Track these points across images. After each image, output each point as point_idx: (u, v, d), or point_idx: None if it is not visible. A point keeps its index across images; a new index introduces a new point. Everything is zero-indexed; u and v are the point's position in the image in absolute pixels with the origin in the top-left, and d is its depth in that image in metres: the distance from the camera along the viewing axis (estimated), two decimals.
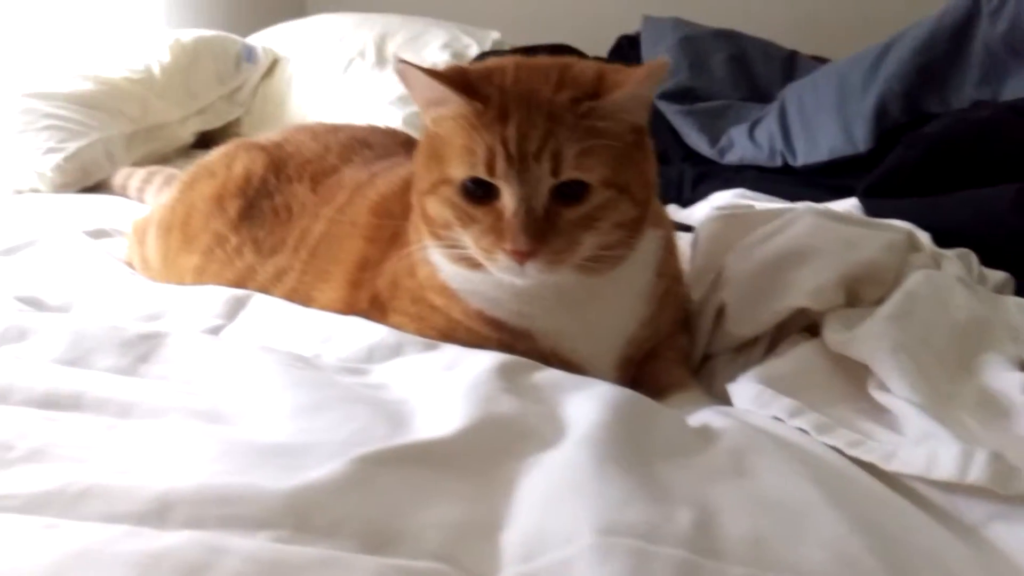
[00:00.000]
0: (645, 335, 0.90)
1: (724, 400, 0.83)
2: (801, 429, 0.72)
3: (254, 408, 0.71)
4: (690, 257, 1.04)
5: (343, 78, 2.37)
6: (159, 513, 0.54)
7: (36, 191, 1.78)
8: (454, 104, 0.79)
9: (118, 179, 1.83)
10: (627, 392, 0.76)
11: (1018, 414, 0.73)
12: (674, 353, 0.94)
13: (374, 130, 1.24)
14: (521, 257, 0.76)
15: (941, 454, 0.64)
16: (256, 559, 0.50)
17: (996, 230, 1.12)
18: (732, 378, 0.84)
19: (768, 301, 0.90)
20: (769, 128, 1.75)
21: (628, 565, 0.51)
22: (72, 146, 1.81)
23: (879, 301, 0.89)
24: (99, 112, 1.94)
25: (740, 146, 1.80)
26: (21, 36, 2.16)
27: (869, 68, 1.60)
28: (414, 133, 1.38)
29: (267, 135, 1.25)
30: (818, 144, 1.65)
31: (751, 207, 1.16)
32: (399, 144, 1.20)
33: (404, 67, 0.80)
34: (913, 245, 0.99)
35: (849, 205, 1.35)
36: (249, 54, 2.40)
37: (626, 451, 0.64)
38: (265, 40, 2.52)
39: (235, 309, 0.96)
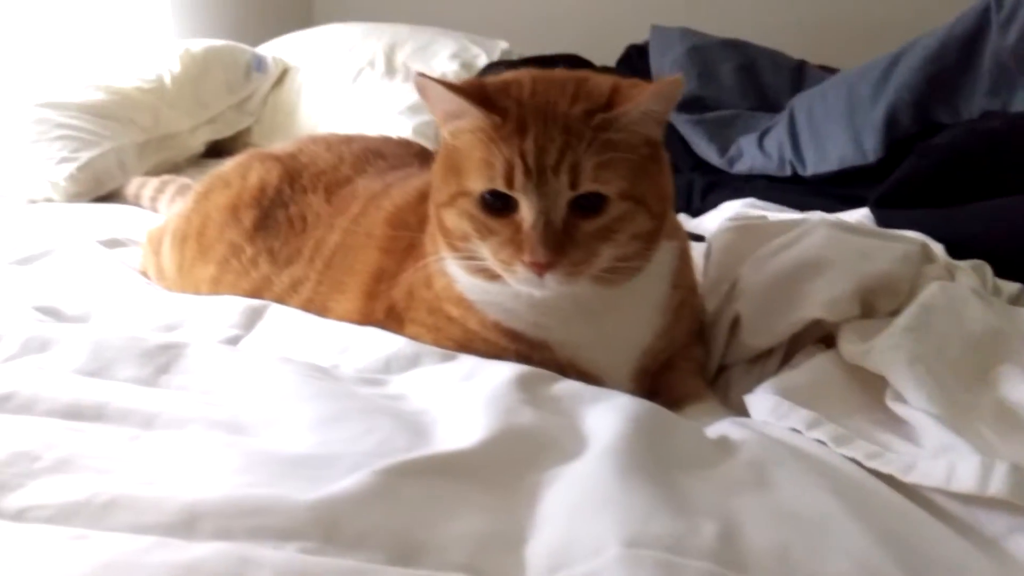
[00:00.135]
0: (661, 346, 0.91)
1: (740, 410, 0.84)
2: (819, 441, 0.72)
3: (275, 419, 0.72)
4: (703, 267, 1.05)
5: (353, 87, 2.38)
6: (187, 524, 0.55)
7: (50, 200, 1.80)
8: (472, 117, 0.80)
9: (131, 188, 1.84)
10: (646, 404, 0.76)
11: None
12: (689, 364, 0.94)
13: (387, 141, 1.25)
14: (540, 269, 0.77)
15: (960, 466, 0.65)
16: (286, 570, 0.51)
17: (1010, 241, 1.12)
18: (748, 389, 0.85)
19: (784, 312, 0.90)
20: (778, 138, 1.75)
21: None
22: (85, 156, 1.82)
23: (894, 312, 0.90)
24: (111, 122, 1.95)
25: (749, 155, 1.80)
26: (34, 47, 2.18)
27: (879, 78, 1.61)
28: (424, 143, 1.40)
29: (281, 146, 1.26)
30: (828, 154, 1.65)
31: (764, 217, 1.17)
32: (412, 155, 1.20)
33: (423, 81, 0.81)
34: (927, 257, 0.99)
35: (860, 215, 1.36)
36: (259, 64, 2.41)
37: (648, 463, 0.64)
38: (275, 50, 2.53)
39: (252, 319, 0.96)
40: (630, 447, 0.65)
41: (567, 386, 0.79)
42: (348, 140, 1.22)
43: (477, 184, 0.79)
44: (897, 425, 0.76)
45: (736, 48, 2.19)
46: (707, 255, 1.07)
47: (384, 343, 0.88)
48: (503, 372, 0.79)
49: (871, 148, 1.58)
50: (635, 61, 2.30)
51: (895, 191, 1.34)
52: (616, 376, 0.87)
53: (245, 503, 0.56)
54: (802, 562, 0.55)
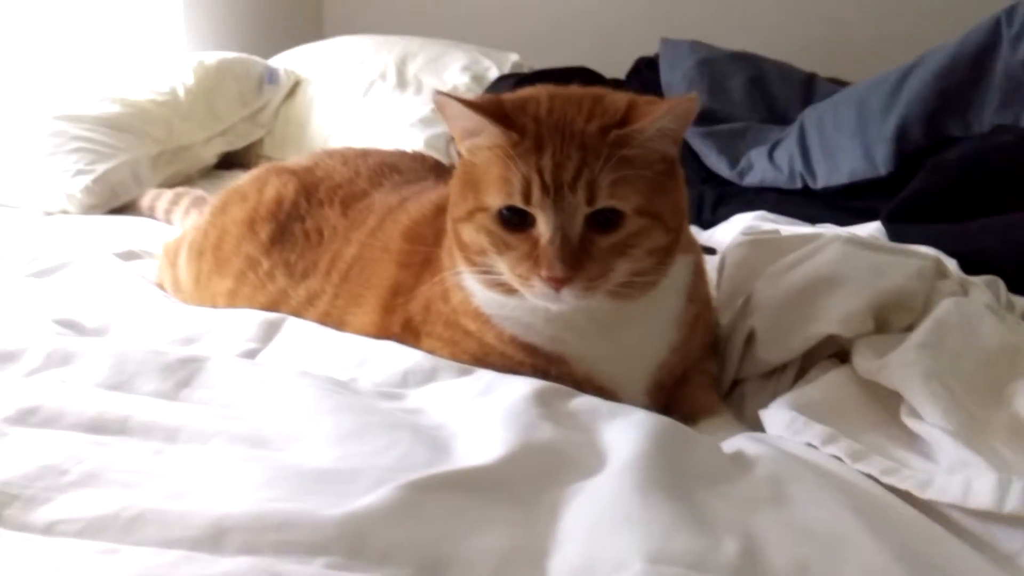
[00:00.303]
0: (676, 360, 0.91)
1: (754, 425, 0.84)
2: (835, 456, 0.73)
3: (296, 433, 0.73)
4: (716, 281, 1.05)
5: (364, 100, 2.39)
6: (214, 539, 0.55)
7: (65, 212, 1.81)
8: (491, 134, 0.81)
9: (145, 200, 1.85)
10: (663, 419, 0.77)
11: None
12: (703, 378, 0.95)
13: (403, 155, 1.26)
14: (557, 283, 0.78)
15: (977, 483, 0.65)
16: None
17: (1023, 256, 1.12)
18: (762, 403, 0.85)
19: (798, 328, 0.91)
20: (789, 150, 1.75)
21: None
22: (100, 168, 1.84)
23: (908, 328, 0.90)
24: (126, 134, 1.97)
25: (760, 168, 1.80)
26: (49, 60, 2.20)
27: (890, 91, 1.61)
28: (436, 155, 1.40)
29: (297, 160, 1.27)
30: (838, 167, 1.66)
31: (777, 231, 1.17)
32: (428, 169, 1.21)
33: (442, 98, 0.82)
34: (941, 272, 1.00)
35: (872, 228, 1.36)
36: (271, 76, 2.43)
37: (668, 479, 0.65)
38: (286, 62, 2.55)
39: (270, 333, 0.97)
40: (649, 463, 0.66)
41: (584, 401, 0.80)
42: (364, 154, 1.23)
43: (495, 200, 0.80)
44: (913, 441, 0.77)
45: (746, 61, 2.19)
46: (720, 269, 1.07)
47: (401, 357, 0.89)
48: (520, 387, 0.80)
49: (882, 161, 1.58)
50: (645, 74, 2.30)
51: (907, 205, 1.35)
52: (632, 390, 0.88)
53: (271, 518, 0.57)
54: None
